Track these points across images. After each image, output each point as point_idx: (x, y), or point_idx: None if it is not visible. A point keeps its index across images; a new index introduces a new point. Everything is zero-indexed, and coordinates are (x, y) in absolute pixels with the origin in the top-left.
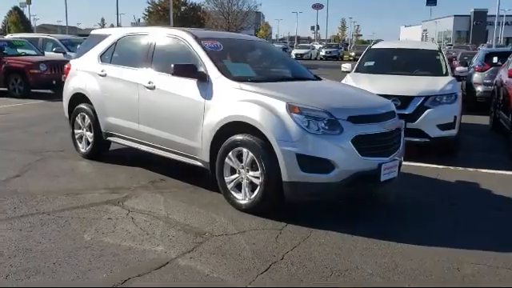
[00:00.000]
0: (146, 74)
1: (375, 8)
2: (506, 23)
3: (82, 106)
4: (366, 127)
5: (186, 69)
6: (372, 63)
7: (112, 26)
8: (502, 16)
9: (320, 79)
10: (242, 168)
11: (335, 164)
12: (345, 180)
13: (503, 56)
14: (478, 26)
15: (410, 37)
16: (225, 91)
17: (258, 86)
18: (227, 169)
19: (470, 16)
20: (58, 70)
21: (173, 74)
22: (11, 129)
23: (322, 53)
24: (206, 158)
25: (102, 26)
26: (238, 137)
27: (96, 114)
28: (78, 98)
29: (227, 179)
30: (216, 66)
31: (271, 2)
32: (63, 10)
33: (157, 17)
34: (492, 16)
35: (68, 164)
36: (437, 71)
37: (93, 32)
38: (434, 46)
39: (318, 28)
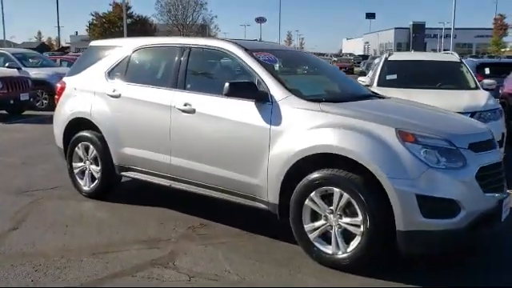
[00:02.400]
0: (179, 95)
1: (316, 21)
2: (447, 35)
3: (85, 133)
4: (486, 156)
5: (245, 88)
6: (394, 76)
7: (50, 39)
8: (441, 29)
9: (383, 97)
10: (331, 213)
11: (461, 205)
12: (470, 224)
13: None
14: (416, 37)
15: (352, 49)
16: (299, 114)
17: (341, 106)
18: (307, 214)
19: (409, 28)
20: (16, 87)
21: (227, 95)
22: None
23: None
24: (274, 199)
25: (39, 39)
26: (326, 173)
27: (106, 143)
28: (78, 124)
29: (308, 227)
30: (280, 83)
31: (219, 15)
32: None
33: (101, 29)
34: (429, 28)
35: (71, 207)
36: (464, 84)
37: (93, 43)
38: (455, 58)
39: (260, 41)
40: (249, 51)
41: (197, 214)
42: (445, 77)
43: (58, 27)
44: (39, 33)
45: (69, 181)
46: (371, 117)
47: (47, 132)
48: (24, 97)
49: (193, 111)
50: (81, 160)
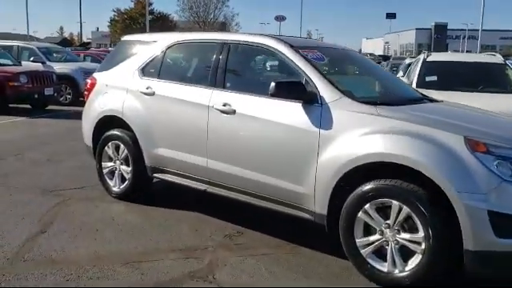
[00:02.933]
0: (217, 94)
1: (336, 20)
2: (470, 37)
3: (116, 132)
4: None
5: (292, 88)
6: (434, 78)
7: (71, 34)
8: (464, 30)
9: (436, 100)
10: (388, 227)
11: None
12: None
13: None
14: (438, 39)
15: (371, 49)
16: (353, 118)
17: (399, 110)
18: (360, 227)
19: (430, 29)
20: (40, 82)
21: (273, 95)
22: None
23: None
24: (322, 210)
25: (61, 34)
26: (384, 183)
27: (138, 143)
28: (108, 122)
29: (360, 241)
30: (331, 83)
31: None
32: (15, 17)
33: (122, 25)
34: (451, 30)
35: (101, 209)
36: (508, 87)
37: (125, 38)
38: (499, 59)
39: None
40: (295, 48)
41: (233, 221)
42: (488, 79)
43: (81, 23)
44: (61, 28)
45: (97, 180)
46: (435, 123)
47: (72, 128)
48: (48, 91)
49: (233, 112)
50: (110, 160)
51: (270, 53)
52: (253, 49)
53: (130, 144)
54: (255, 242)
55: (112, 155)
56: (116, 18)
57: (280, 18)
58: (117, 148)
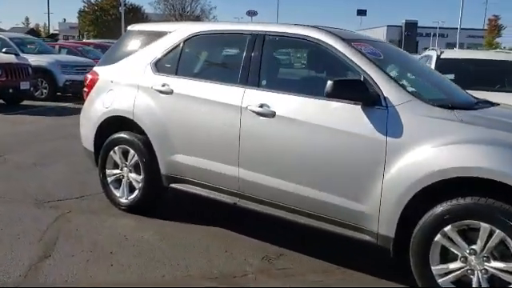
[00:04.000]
0: (252, 94)
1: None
2: (440, 35)
3: (123, 135)
4: None
5: (353, 87)
6: (451, 76)
7: (37, 25)
8: (435, 28)
9: (494, 103)
10: (474, 254)
11: None
12: None
13: None
14: (408, 36)
15: None
16: (427, 125)
17: (478, 115)
18: (437, 252)
19: (401, 27)
20: (15, 75)
21: (329, 95)
22: None
23: None
24: (387, 232)
25: (27, 25)
26: (470, 202)
27: (151, 148)
28: (114, 123)
29: (437, 269)
30: (397, 83)
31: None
32: None
33: (92, 17)
34: (421, 27)
35: (109, 225)
36: None
37: (133, 28)
38: None
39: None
40: (347, 41)
41: (268, 239)
42: (505, 77)
43: (48, 13)
44: (27, 18)
45: (95, 189)
46: None
47: (54, 125)
48: (24, 86)
49: (272, 114)
50: (116, 166)
51: (315, 46)
52: (294, 41)
53: (142, 149)
54: (299, 267)
55: (119, 161)
56: (86, 9)
57: (251, 13)
58: (124, 153)
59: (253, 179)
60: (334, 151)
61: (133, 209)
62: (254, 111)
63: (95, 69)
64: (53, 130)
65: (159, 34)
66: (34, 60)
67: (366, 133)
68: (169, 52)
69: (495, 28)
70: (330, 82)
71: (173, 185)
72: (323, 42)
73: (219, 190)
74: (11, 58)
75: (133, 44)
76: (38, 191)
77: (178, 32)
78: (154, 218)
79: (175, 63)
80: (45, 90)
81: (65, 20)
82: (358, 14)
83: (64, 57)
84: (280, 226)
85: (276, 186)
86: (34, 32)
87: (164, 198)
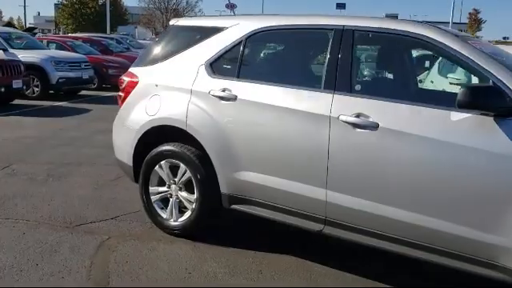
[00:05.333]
0: (343, 101)
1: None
2: None
3: (172, 147)
4: None
5: (488, 95)
6: None
7: (11, 19)
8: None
9: None
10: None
11: None
12: None
13: None
14: None
15: None
16: None
17: None
18: None
19: None
20: (6, 72)
21: (461, 105)
22: None
23: None
24: None
25: (0, 18)
26: None
27: (209, 163)
28: (159, 133)
29: None
30: None
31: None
32: None
33: (71, 10)
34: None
35: (162, 254)
36: None
37: (177, 23)
38: None
39: None
40: (462, 39)
41: (358, 272)
42: None
43: (24, 6)
44: (0, 11)
45: (129, 206)
46: None
47: (53, 128)
48: (17, 84)
49: (373, 126)
50: (162, 183)
51: (424, 45)
52: (393, 39)
53: (197, 164)
54: None
55: (165, 178)
56: (64, 1)
57: (231, 6)
58: (173, 168)
59: (345, 204)
60: (460, 172)
61: (184, 232)
62: (347, 122)
63: (133, 70)
64: (55, 135)
65: (212, 30)
66: (24, 56)
67: (503, 150)
68: (227, 51)
69: (475, 22)
70: (463, 90)
71: (235, 206)
72: (435, 40)
73: (298, 214)
74: (1, 55)
75: (178, 42)
76: (63, 211)
77: (238, 27)
78: (212, 244)
79: (236, 64)
80: (36, 89)
81: (39, 13)
82: (337, 8)
83: (56, 52)
84: (374, 255)
85: (378, 213)
86: (11, 25)
87: (217, 221)
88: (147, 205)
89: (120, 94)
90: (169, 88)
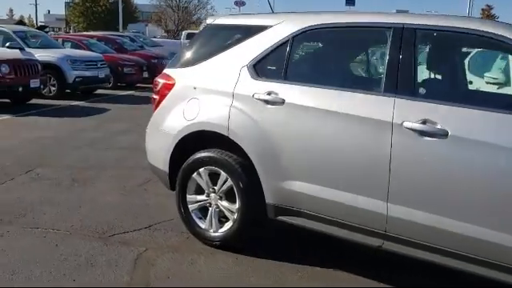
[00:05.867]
0: (406, 105)
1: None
2: None
3: (212, 154)
4: None
5: None
6: None
7: (22, 17)
8: None
9: None
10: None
11: None
12: None
13: None
14: None
15: None
16: None
17: None
18: None
19: None
20: (24, 72)
21: None
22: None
23: None
24: None
25: (11, 17)
26: None
27: (254, 171)
28: (197, 139)
29: None
30: None
31: None
32: None
33: (82, 8)
34: None
35: (206, 269)
36: None
37: (215, 21)
38: None
39: None
40: None
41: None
42: None
43: (36, 4)
44: (11, 10)
45: (162, 214)
46: None
47: (72, 129)
48: (34, 83)
49: (443, 134)
50: (200, 192)
51: (492, 44)
52: (461, 38)
53: (239, 172)
54: None
55: (204, 186)
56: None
57: (240, 3)
58: (212, 176)
59: (408, 217)
60: None
61: (224, 243)
62: (413, 129)
63: (168, 72)
64: (74, 136)
65: (254, 29)
66: (40, 55)
67: None
68: (272, 51)
69: (488, 18)
70: None
71: (282, 217)
72: (508, 38)
73: (355, 228)
74: (18, 54)
75: (216, 42)
76: (94, 220)
77: (283, 26)
78: (255, 257)
79: (283, 65)
80: (53, 88)
81: (49, 12)
82: (346, 4)
83: (73, 51)
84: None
85: (447, 228)
86: (22, 24)
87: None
88: (184, 214)
89: (154, 96)
90: (208, 91)
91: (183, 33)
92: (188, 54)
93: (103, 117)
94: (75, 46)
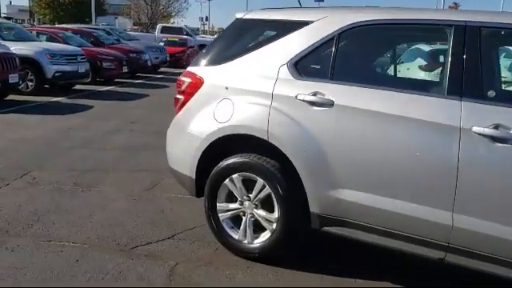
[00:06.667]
0: (474, 110)
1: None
2: None
3: (247, 159)
4: None
5: None
6: None
7: None
8: None
9: None
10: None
11: None
12: None
13: None
14: None
15: None
16: None
17: None
18: None
19: None
20: (3, 67)
21: None
22: None
23: None
24: None
25: None
26: None
27: (297, 178)
28: (226, 143)
29: None
30: None
31: None
32: None
33: None
34: None
35: (242, 282)
36: None
37: (246, 16)
38: None
39: (207, 19)
40: None
41: None
42: None
43: None
44: None
45: (182, 223)
46: None
47: (59, 128)
48: (13, 79)
49: None
50: (232, 199)
51: None
52: None
53: (279, 179)
54: None
55: (238, 193)
56: None
57: None
58: (247, 183)
59: (475, 228)
60: None
61: (261, 256)
62: (484, 134)
63: (194, 70)
64: (65, 135)
65: (293, 25)
66: (16, 48)
67: None
68: (316, 49)
69: None
70: None
71: (329, 228)
72: None
73: (414, 240)
74: None
75: (248, 38)
76: (110, 230)
77: (328, 21)
78: (296, 270)
79: (329, 64)
80: (30, 83)
81: (11, 2)
82: (315, 0)
83: (51, 45)
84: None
85: None
86: None
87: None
88: (214, 223)
89: (178, 96)
90: (243, 91)
91: (158, 26)
92: (216, 52)
93: (89, 114)
94: (50, 39)
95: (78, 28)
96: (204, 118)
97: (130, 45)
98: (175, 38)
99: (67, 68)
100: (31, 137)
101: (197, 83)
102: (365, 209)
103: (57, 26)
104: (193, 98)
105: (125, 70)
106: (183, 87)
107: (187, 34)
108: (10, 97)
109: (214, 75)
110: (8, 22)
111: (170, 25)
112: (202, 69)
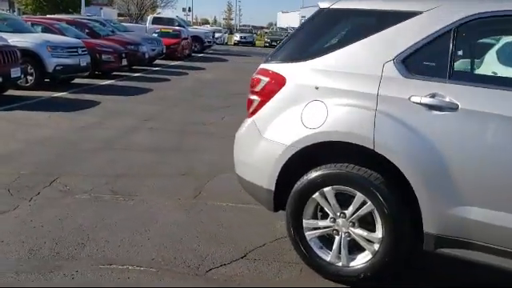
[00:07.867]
0: None
1: None
2: None
3: (344, 170)
4: None
5: None
6: None
7: None
8: None
9: None
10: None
11: None
12: None
13: None
14: None
15: (287, 23)
16: None
17: None
18: None
19: None
20: (3, 60)
21: None
22: (27, 185)
23: (237, 38)
24: None
25: None
26: None
27: (413, 193)
28: (314, 151)
29: None
30: None
31: None
32: None
33: None
34: None
35: None
36: None
37: (335, 5)
38: None
39: (190, 10)
40: None
41: None
42: None
43: None
44: None
45: (248, 238)
46: None
47: (73, 127)
48: (15, 73)
49: None
50: (323, 216)
51: None
52: None
53: (385, 194)
54: None
55: (330, 209)
56: None
57: None
58: (341, 197)
59: None
60: None
61: (358, 281)
62: None
63: (273, 68)
64: (80, 135)
65: (396, 15)
66: (14, 40)
67: None
68: (428, 43)
69: None
70: None
71: (445, 250)
72: None
73: None
74: None
75: (338, 30)
76: (173, 249)
77: (441, 12)
78: None
79: (445, 61)
80: (30, 77)
81: None
82: None
83: (51, 36)
84: None
85: None
86: None
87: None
88: (300, 243)
89: (253, 97)
90: (338, 92)
91: (149, 17)
92: (298, 46)
93: (98, 111)
94: (46, 30)
95: (72, 19)
96: (288, 123)
97: (127, 36)
98: (168, 29)
99: (68, 61)
100: (45, 137)
101: (277, 82)
102: (496, 229)
103: (49, 16)
104: (273, 99)
105: (124, 62)
106: (259, 87)
107: (179, 25)
108: (9, 92)
109: (299, 73)
110: (3, 12)
111: (161, 16)
112: (282, 66)
